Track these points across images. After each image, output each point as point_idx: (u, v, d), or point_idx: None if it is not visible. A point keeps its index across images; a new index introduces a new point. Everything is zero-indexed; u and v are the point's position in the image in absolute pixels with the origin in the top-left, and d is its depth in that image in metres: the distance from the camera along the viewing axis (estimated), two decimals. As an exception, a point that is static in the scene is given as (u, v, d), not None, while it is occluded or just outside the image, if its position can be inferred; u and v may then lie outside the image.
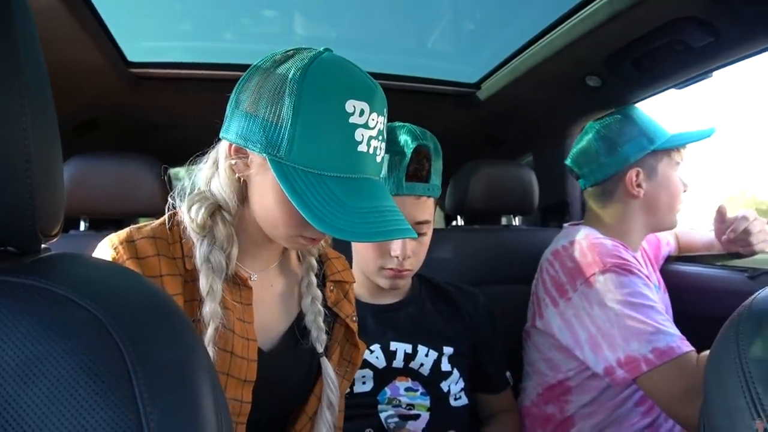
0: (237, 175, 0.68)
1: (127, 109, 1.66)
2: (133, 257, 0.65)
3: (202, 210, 0.68)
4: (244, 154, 0.67)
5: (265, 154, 0.62)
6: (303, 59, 0.63)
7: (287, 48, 0.68)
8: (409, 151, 0.99)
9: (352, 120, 0.62)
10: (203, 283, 0.67)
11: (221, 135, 0.69)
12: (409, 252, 1.02)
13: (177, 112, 1.74)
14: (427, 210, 1.05)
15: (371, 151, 0.65)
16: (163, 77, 1.54)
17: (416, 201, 1.02)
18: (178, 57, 1.58)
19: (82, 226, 1.48)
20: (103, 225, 1.46)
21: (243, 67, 1.57)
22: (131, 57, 1.46)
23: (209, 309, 0.66)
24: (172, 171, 1.53)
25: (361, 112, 0.62)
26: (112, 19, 1.26)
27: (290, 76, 0.62)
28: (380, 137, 0.66)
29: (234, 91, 0.68)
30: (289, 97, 0.61)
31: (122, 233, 0.67)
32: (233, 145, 0.66)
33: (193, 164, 0.75)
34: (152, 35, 1.61)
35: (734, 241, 1.30)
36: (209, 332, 0.65)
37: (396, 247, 1.01)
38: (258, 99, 0.63)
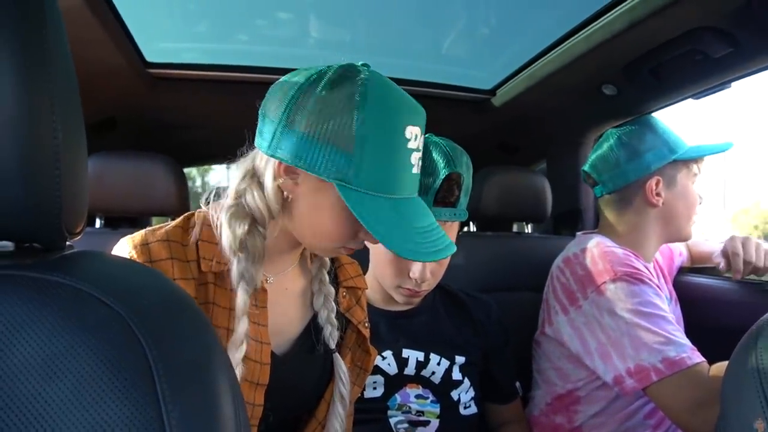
0: (285, 193, 0.68)
1: (144, 109, 1.67)
2: (147, 261, 0.65)
3: (244, 226, 0.67)
4: (295, 173, 0.65)
5: (333, 181, 0.62)
6: (358, 84, 0.62)
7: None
8: (440, 176, 0.95)
9: (410, 145, 0.64)
10: (240, 301, 0.67)
11: (269, 153, 0.65)
12: (428, 275, 1.00)
13: (193, 112, 1.76)
14: (452, 234, 1.01)
15: (417, 170, 0.67)
16: (179, 78, 1.56)
17: (441, 225, 0.99)
18: (194, 58, 1.59)
19: (98, 223, 1.49)
20: (117, 223, 1.47)
21: (258, 70, 1.59)
22: (149, 57, 1.47)
23: (243, 328, 0.66)
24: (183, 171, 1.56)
25: (415, 137, 0.65)
26: (131, 20, 1.27)
27: (354, 102, 0.61)
28: (421, 154, 0.69)
29: (285, 109, 0.64)
30: (357, 126, 0.61)
31: (137, 236, 0.67)
32: (283, 165, 0.65)
33: (223, 166, 0.75)
34: (169, 36, 1.62)
35: (746, 273, 1.26)
36: (242, 349, 0.66)
37: (416, 269, 0.99)
38: (318, 123, 0.62)
